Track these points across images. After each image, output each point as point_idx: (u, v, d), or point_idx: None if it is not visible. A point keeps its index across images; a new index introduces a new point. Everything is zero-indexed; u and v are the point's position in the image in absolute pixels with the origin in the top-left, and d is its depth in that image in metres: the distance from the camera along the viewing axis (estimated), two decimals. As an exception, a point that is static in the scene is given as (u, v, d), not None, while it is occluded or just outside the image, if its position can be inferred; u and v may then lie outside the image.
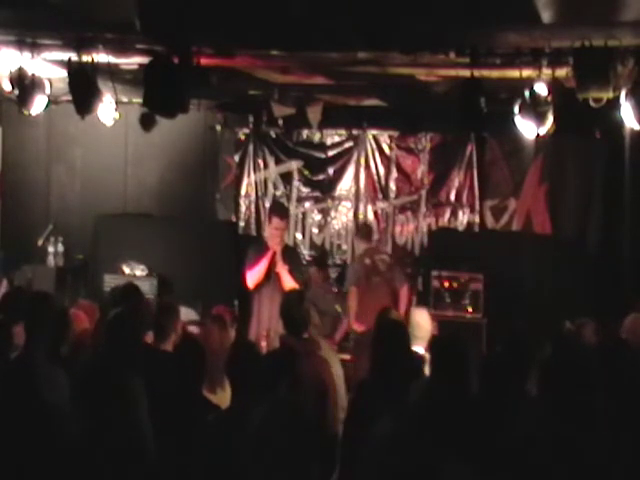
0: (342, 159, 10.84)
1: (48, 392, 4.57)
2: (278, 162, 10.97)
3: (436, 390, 4.54)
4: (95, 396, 4.22)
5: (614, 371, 4.44)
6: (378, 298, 8.59)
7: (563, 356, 4.71)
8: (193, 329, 7.14)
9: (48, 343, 5.02)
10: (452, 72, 7.11)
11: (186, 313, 8.35)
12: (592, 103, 6.14)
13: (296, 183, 10.94)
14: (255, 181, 11.02)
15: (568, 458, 3.89)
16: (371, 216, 10.76)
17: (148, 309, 6.17)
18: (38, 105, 7.18)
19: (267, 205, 10.81)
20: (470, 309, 8.95)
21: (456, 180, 10.47)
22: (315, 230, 10.93)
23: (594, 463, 3.90)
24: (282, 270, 8.10)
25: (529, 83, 6.58)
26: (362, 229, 9.84)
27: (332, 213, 10.90)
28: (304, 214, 10.93)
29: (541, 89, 6.55)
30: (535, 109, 6.59)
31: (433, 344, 5.02)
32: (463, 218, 10.47)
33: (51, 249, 10.04)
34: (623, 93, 6.17)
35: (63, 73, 6.95)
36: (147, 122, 8.80)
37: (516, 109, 6.70)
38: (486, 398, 4.48)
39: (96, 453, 3.96)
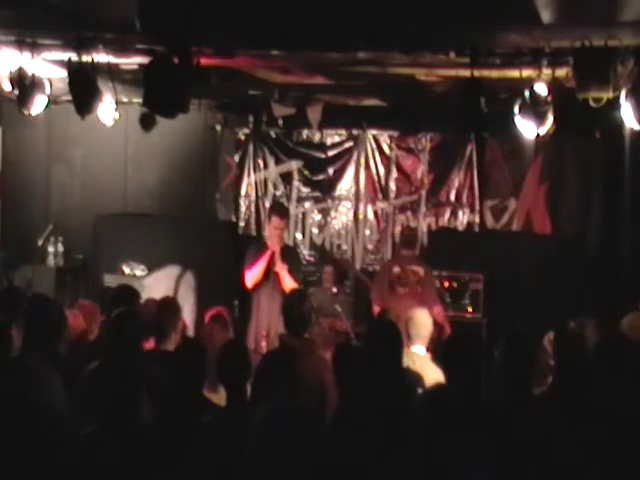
0: (342, 159, 10.84)
1: (44, 394, 4.56)
2: (278, 162, 10.98)
3: (451, 391, 4.54)
4: (95, 398, 4.21)
5: (616, 368, 4.44)
6: (403, 312, 7.43)
7: (567, 356, 4.72)
8: None
9: (45, 344, 5.02)
10: (452, 72, 7.11)
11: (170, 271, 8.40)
12: (592, 103, 6.13)
13: (296, 183, 10.94)
14: (255, 181, 11.03)
15: (580, 458, 3.90)
16: (371, 216, 10.77)
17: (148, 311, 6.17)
18: (38, 105, 7.18)
19: (267, 205, 10.82)
20: (470, 309, 8.96)
21: (456, 180, 10.47)
22: (315, 230, 10.93)
23: (597, 461, 3.91)
24: (281, 270, 8.10)
25: (529, 83, 6.57)
26: (405, 235, 9.28)
27: (332, 213, 10.91)
28: (304, 214, 10.94)
29: (541, 89, 6.54)
30: (535, 109, 6.58)
31: (449, 343, 4.99)
32: (463, 218, 10.48)
33: (51, 249, 10.04)
34: (623, 93, 6.16)
35: (63, 73, 6.95)
36: (147, 122, 8.79)
37: (516, 109, 6.70)
38: (494, 400, 4.48)
39: (95, 456, 3.96)
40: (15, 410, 4.14)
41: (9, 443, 3.83)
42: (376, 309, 8.40)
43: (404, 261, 8.63)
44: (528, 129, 6.74)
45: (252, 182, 11.02)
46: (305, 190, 10.94)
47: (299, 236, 10.90)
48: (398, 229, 10.65)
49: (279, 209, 8.89)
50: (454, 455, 3.76)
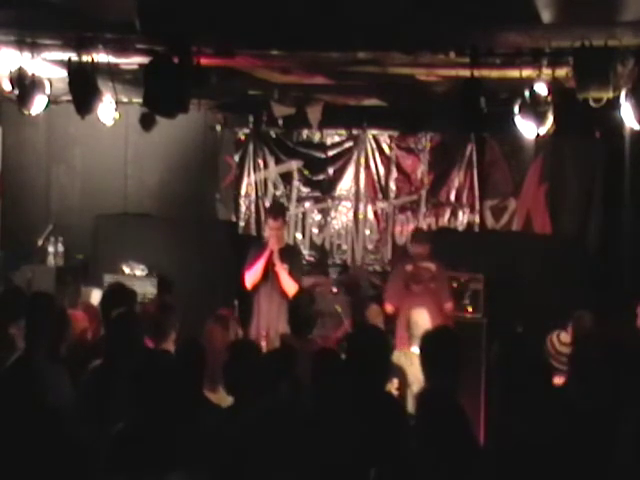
0: (342, 159, 10.84)
1: (50, 393, 4.57)
2: (278, 162, 10.97)
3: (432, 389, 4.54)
4: (98, 397, 4.22)
5: (617, 367, 4.44)
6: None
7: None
8: None
9: (48, 343, 5.03)
10: (452, 72, 7.11)
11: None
12: (592, 103, 6.14)
13: (296, 183, 10.94)
14: (255, 181, 11.02)
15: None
16: (371, 216, 10.76)
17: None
18: (38, 105, 7.18)
19: (267, 205, 10.82)
20: (470, 309, 8.93)
21: (456, 180, 10.47)
22: (315, 230, 10.93)
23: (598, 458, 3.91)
24: (281, 270, 8.09)
25: (529, 83, 6.58)
26: (416, 233, 9.26)
27: (332, 213, 10.90)
28: (304, 214, 10.93)
29: (541, 89, 6.55)
30: (535, 109, 6.58)
31: (426, 339, 4.92)
32: (463, 218, 10.47)
33: (51, 249, 10.04)
34: (623, 93, 6.17)
35: (63, 73, 6.95)
36: (147, 122, 8.80)
37: (516, 109, 6.70)
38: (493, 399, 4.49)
39: (101, 454, 3.97)
40: (23, 410, 4.15)
41: (20, 441, 3.85)
42: (389, 308, 8.45)
43: (417, 259, 8.59)
44: (528, 129, 6.74)
45: (252, 182, 11.02)
46: (305, 190, 10.94)
47: (299, 236, 10.89)
48: (398, 229, 10.65)
49: (273, 210, 8.90)
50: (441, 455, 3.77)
